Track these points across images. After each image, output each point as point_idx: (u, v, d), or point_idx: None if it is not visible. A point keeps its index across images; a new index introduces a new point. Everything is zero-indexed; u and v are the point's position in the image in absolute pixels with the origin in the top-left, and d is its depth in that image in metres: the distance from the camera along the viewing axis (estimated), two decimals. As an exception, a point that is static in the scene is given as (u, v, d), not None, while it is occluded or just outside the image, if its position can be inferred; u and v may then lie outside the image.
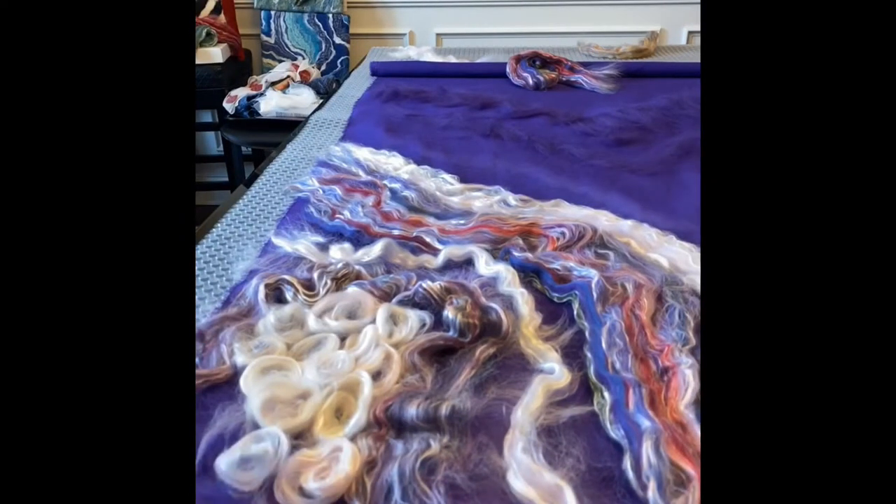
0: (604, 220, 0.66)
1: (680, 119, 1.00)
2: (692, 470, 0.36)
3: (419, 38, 2.01)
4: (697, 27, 1.98)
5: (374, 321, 0.50)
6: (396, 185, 0.75)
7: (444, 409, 0.40)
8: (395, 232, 0.64)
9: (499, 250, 0.61)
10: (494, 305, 0.51)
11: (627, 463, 0.37)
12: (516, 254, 0.59)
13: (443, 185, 0.76)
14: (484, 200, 0.72)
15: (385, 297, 0.53)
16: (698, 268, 0.57)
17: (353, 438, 0.39)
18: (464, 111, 1.08)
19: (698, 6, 1.94)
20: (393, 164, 0.82)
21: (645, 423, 0.39)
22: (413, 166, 0.82)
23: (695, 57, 1.44)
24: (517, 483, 0.36)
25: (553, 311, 0.53)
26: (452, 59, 1.42)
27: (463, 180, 0.78)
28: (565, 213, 0.69)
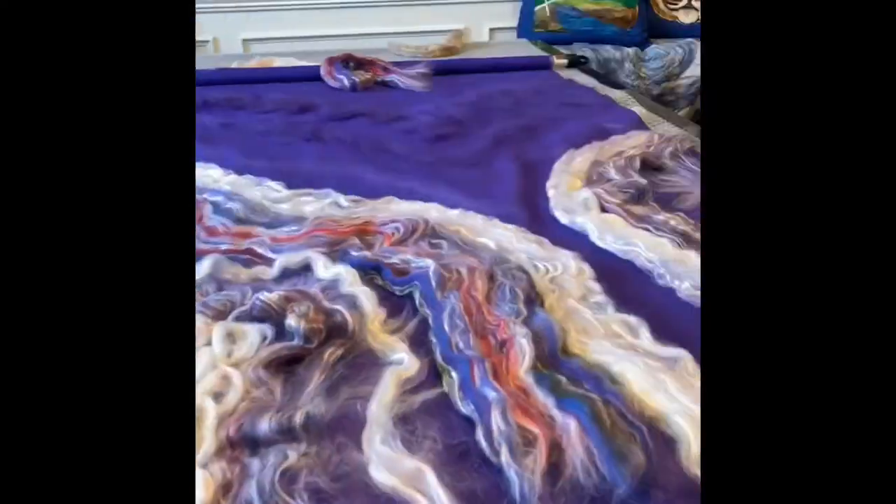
0: (433, 212, 0.69)
1: (491, 112, 1.07)
2: (537, 430, 0.39)
3: (224, 44, 1.91)
4: (498, 24, 2.11)
5: (209, 343, 0.48)
6: (218, 198, 0.71)
7: (299, 418, 0.40)
8: (223, 247, 0.61)
9: (336, 252, 0.61)
10: (338, 307, 0.50)
11: (480, 434, 0.39)
12: (354, 253, 0.59)
13: (269, 192, 0.74)
14: (315, 204, 0.71)
15: (219, 315, 0.51)
16: (522, 246, 0.62)
17: (205, 466, 0.37)
18: (281, 116, 1.05)
19: (498, 4, 2.08)
20: (211, 175, 0.78)
21: (491, 395, 0.41)
22: (234, 176, 0.78)
23: (498, 52, 1.54)
24: (379, 474, 0.36)
25: (396, 303, 0.54)
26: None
27: (290, 186, 0.76)
28: (397, 209, 0.70)
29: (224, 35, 1.90)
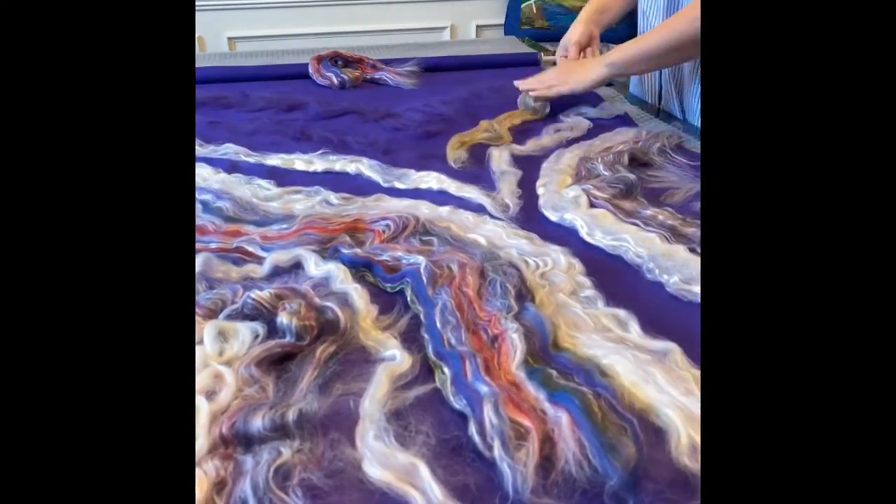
0: (424, 209, 0.69)
1: (480, 109, 1.07)
2: (529, 423, 0.40)
3: (210, 43, 1.90)
4: (485, 21, 2.12)
5: (200, 342, 0.47)
6: (207, 197, 0.71)
7: (291, 415, 0.40)
8: (213, 245, 0.61)
9: (327, 250, 0.61)
10: (330, 304, 0.51)
11: (472, 428, 0.40)
12: (345, 251, 0.59)
13: (259, 191, 0.74)
14: (305, 202, 0.71)
15: (210, 314, 0.51)
16: (513, 242, 0.62)
17: (198, 464, 0.37)
18: (270, 115, 1.05)
19: (485, 2, 2.09)
20: (201, 175, 0.78)
21: (483, 389, 0.42)
22: (223, 175, 0.78)
23: (486, 49, 1.54)
24: (373, 470, 0.37)
25: (388, 300, 0.54)
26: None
27: (280, 184, 0.76)
28: (387, 206, 0.70)
29: (209, 33, 1.89)
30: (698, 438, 0.38)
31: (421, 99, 1.12)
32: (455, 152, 0.85)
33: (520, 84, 1.02)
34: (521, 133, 0.95)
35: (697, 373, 0.44)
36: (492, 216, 0.69)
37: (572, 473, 0.36)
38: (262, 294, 0.51)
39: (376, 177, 0.79)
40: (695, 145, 0.89)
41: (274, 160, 0.85)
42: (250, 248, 0.61)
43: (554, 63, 1.39)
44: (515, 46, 1.60)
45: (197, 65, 1.39)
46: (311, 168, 0.83)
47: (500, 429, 0.39)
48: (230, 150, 0.88)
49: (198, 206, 0.69)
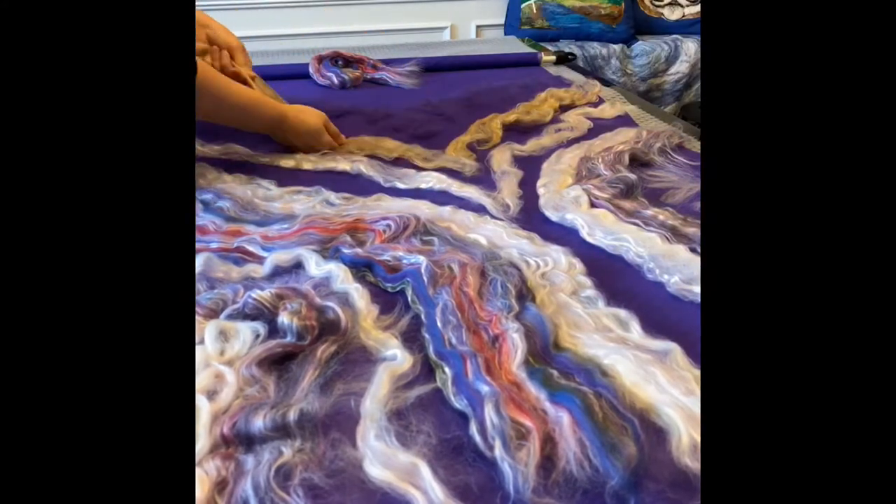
0: (424, 209, 0.69)
1: (479, 108, 1.07)
2: (530, 423, 0.40)
3: (211, 41, 1.90)
4: (484, 21, 2.12)
5: (202, 341, 0.48)
6: (208, 197, 0.71)
7: (293, 415, 0.40)
8: (214, 245, 0.61)
9: (328, 249, 0.61)
10: (330, 304, 0.51)
11: (473, 428, 0.40)
12: (346, 251, 0.59)
13: (259, 190, 0.74)
14: (306, 202, 0.71)
15: (211, 314, 0.51)
16: (513, 242, 0.62)
17: (200, 464, 0.37)
18: (271, 114, 1.05)
19: (485, 1, 2.09)
20: (202, 174, 0.78)
21: (484, 389, 0.42)
22: (224, 174, 0.78)
23: (486, 49, 1.54)
24: (374, 469, 0.37)
25: (388, 300, 0.54)
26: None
27: (280, 184, 0.76)
28: (388, 206, 0.70)
29: (210, 33, 1.89)
30: (699, 438, 0.38)
31: (421, 99, 1.12)
32: (460, 160, 0.84)
33: None
34: (520, 133, 0.95)
35: (698, 373, 0.44)
36: (492, 216, 0.69)
37: (573, 473, 0.36)
38: (263, 294, 0.51)
39: (377, 176, 0.80)
40: (695, 145, 0.89)
41: (275, 160, 0.85)
42: (251, 248, 0.61)
43: (554, 63, 1.40)
44: (515, 46, 1.60)
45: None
46: (312, 168, 0.83)
47: (501, 428, 0.39)
48: (230, 150, 0.88)
49: (198, 206, 0.69)
